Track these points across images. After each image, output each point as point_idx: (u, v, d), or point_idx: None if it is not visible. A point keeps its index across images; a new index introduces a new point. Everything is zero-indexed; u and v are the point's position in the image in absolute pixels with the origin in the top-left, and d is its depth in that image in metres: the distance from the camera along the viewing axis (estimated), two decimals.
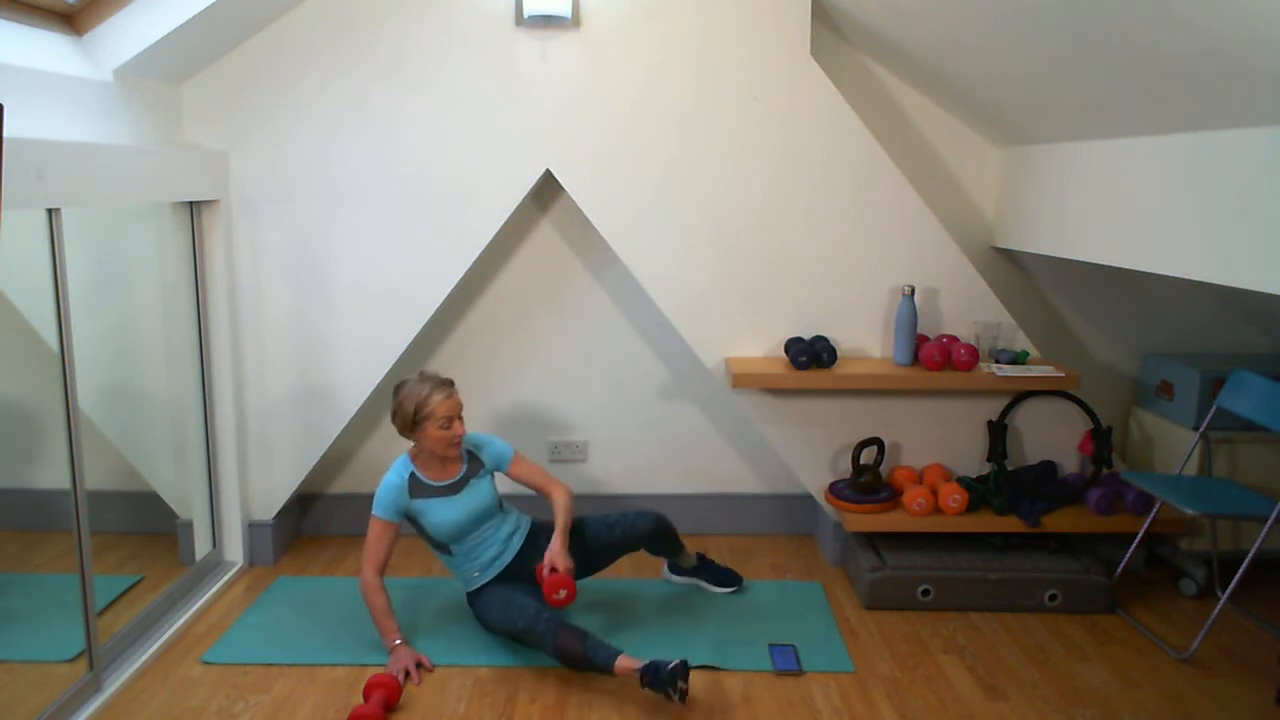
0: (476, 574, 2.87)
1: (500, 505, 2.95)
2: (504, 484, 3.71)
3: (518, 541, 2.93)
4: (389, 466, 3.64)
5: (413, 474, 2.82)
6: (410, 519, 2.84)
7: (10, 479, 3.37)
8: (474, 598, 2.89)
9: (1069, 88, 2.66)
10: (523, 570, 2.90)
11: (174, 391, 3.24)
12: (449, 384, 2.80)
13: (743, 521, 3.73)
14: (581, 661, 2.57)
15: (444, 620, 2.98)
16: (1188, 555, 3.26)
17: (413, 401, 2.75)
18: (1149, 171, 2.58)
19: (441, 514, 2.81)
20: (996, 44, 2.68)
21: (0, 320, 3.03)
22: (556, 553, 2.79)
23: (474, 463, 2.90)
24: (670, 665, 2.44)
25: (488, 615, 2.81)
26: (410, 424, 2.77)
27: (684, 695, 2.43)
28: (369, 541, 2.78)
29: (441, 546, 2.87)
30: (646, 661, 2.50)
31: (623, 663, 2.53)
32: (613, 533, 2.98)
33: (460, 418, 2.80)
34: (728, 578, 3.19)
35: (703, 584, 3.20)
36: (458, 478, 2.85)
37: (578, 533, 2.96)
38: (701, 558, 3.21)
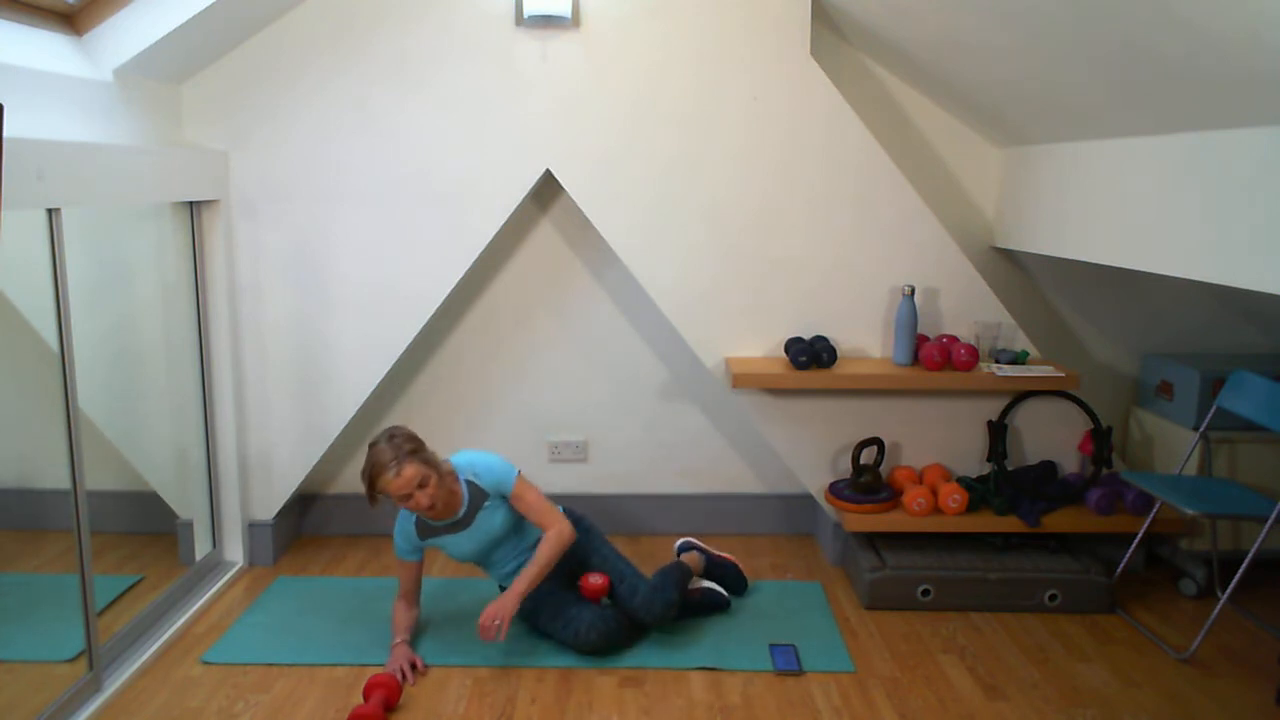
0: (508, 582, 2.89)
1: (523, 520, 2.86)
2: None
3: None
4: None
5: (417, 516, 2.77)
6: None
7: (10, 479, 3.37)
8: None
9: (1069, 88, 2.66)
10: (556, 575, 2.90)
11: (174, 391, 3.24)
12: (408, 454, 2.59)
13: (743, 521, 3.73)
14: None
15: (444, 620, 2.98)
16: (1188, 555, 3.26)
17: (368, 474, 2.60)
18: (1149, 171, 2.58)
19: (457, 547, 2.80)
20: (996, 44, 2.68)
21: (0, 320, 3.03)
22: (500, 605, 2.64)
23: (477, 493, 2.77)
24: (698, 602, 2.96)
25: (526, 611, 2.87)
26: (371, 496, 2.63)
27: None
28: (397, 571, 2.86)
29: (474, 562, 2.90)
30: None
31: None
32: (616, 599, 2.85)
33: (425, 484, 2.60)
34: (735, 582, 3.16)
35: (715, 586, 3.10)
36: (461, 514, 2.76)
37: (606, 561, 2.88)
38: (707, 565, 3.17)
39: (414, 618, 2.85)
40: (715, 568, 3.16)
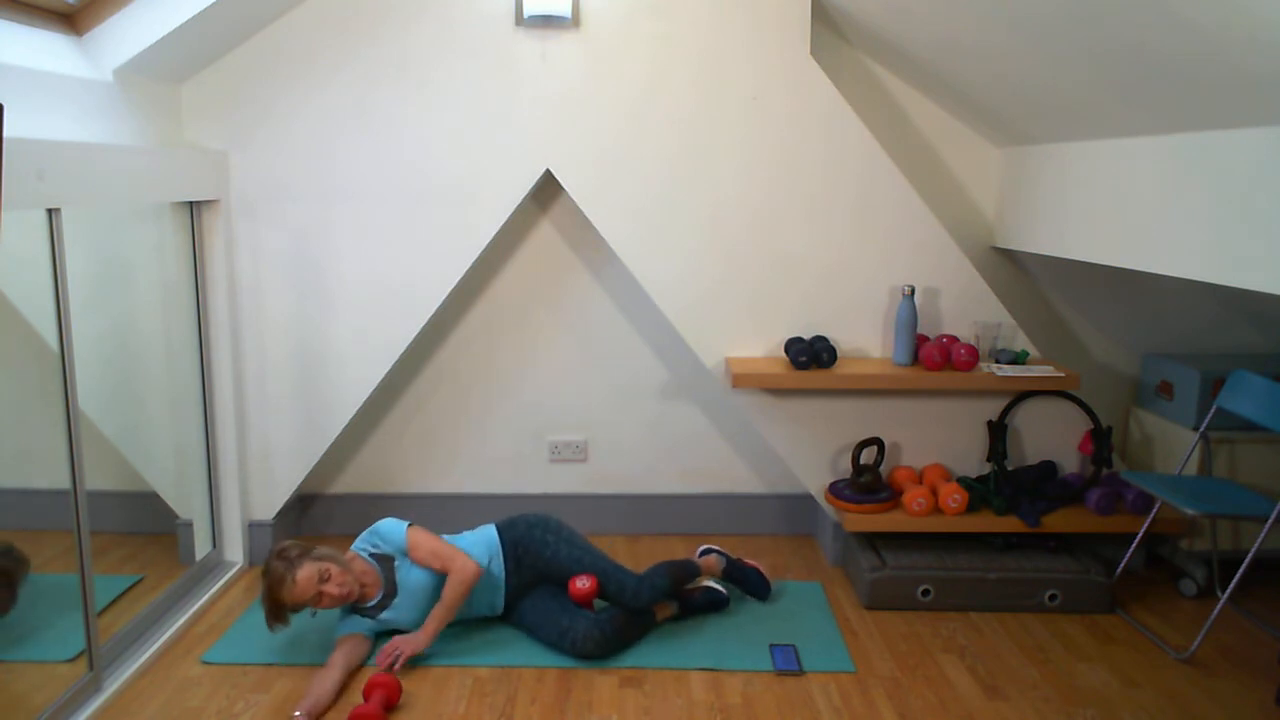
0: (485, 610, 2.90)
1: None
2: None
3: (498, 568, 2.87)
4: (389, 468, 3.67)
5: (350, 607, 2.75)
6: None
7: (10, 479, 3.37)
8: (506, 611, 2.93)
9: (1069, 88, 2.66)
10: (527, 583, 2.90)
11: (174, 391, 3.24)
12: (297, 557, 2.58)
13: (743, 521, 3.73)
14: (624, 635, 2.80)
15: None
16: (1188, 555, 3.26)
17: (269, 596, 2.58)
18: (1149, 171, 2.58)
19: (405, 616, 2.76)
20: (996, 44, 2.68)
21: (0, 320, 3.03)
22: (409, 641, 2.68)
23: (385, 561, 2.76)
24: (699, 601, 2.95)
25: (525, 626, 2.88)
26: (278, 616, 2.60)
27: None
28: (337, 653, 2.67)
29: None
30: (677, 605, 2.94)
31: (660, 610, 2.91)
32: (606, 599, 2.85)
33: (326, 577, 2.58)
34: (758, 586, 3.11)
35: (715, 585, 3.06)
36: (383, 590, 2.75)
37: (578, 562, 2.85)
38: (727, 561, 3.15)
39: (333, 697, 2.54)
40: (736, 570, 3.13)
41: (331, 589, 2.60)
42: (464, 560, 2.74)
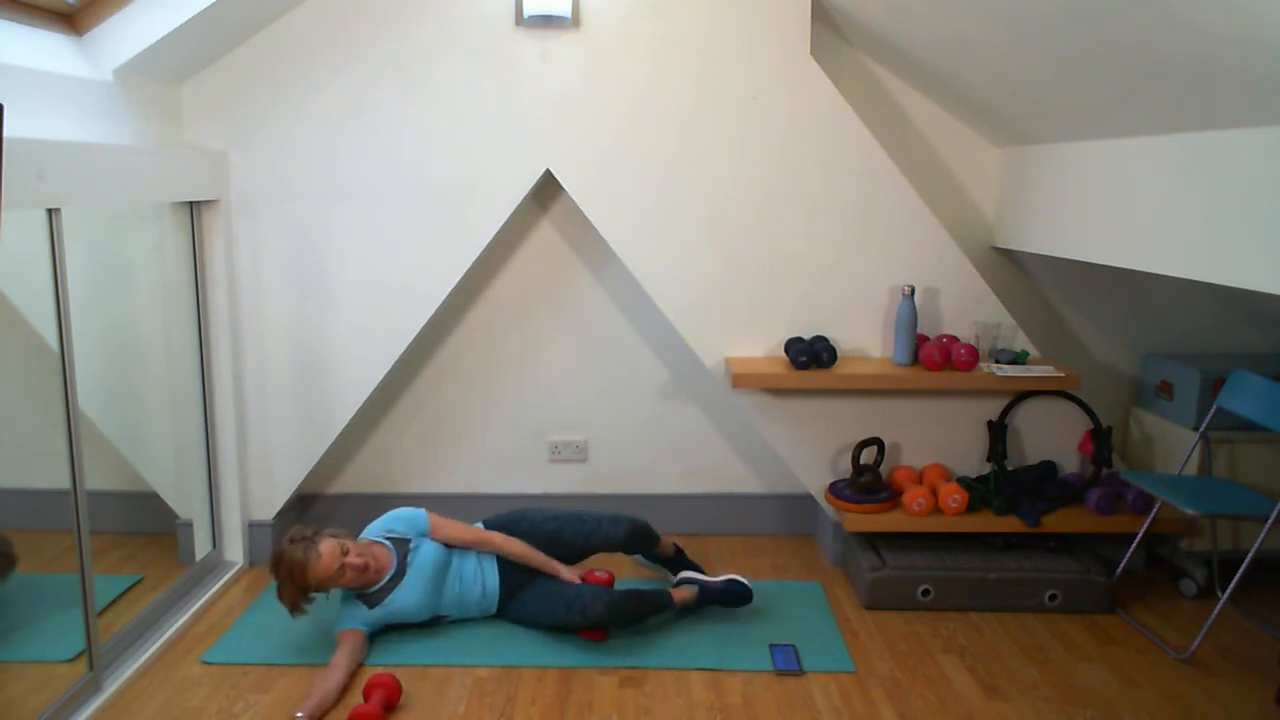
0: (480, 608, 2.92)
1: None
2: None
3: (490, 564, 2.91)
4: (389, 468, 3.66)
5: (356, 593, 2.78)
6: (388, 627, 2.83)
7: (10, 479, 3.37)
8: (501, 611, 2.96)
9: (1069, 88, 2.66)
10: (517, 573, 2.91)
11: (174, 391, 3.24)
12: (313, 536, 2.66)
13: (743, 521, 3.73)
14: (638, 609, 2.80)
15: (443, 620, 2.97)
16: (1188, 555, 3.26)
17: (292, 580, 2.62)
18: (1149, 171, 2.58)
19: (408, 598, 2.78)
20: (996, 44, 2.68)
21: (0, 320, 3.03)
22: (569, 578, 2.86)
23: (400, 542, 2.83)
24: (721, 590, 2.94)
25: (527, 617, 2.89)
26: (305, 599, 2.66)
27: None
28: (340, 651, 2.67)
29: (437, 619, 2.90)
30: (697, 590, 2.94)
31: (679, 594, 2.92)
32: (589, 541, 2.93)
33: (348, 551, 2.67)
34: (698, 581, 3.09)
35: (738, 577, 3.06)
36: (394, 566, 2.79)
37: (555, 538, 2.93)
38: (678, 549, 3.19)
39: (338, 697, 2.54)
40: (682, 562, 3.19)
41: (354, 559, 2.67)
42: (489, 533, 2.90)
